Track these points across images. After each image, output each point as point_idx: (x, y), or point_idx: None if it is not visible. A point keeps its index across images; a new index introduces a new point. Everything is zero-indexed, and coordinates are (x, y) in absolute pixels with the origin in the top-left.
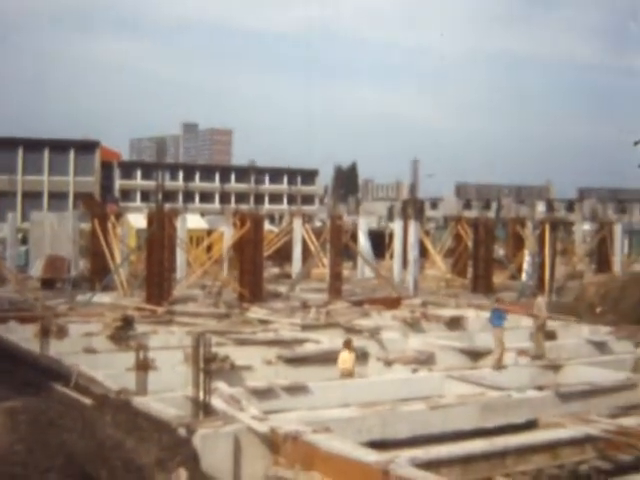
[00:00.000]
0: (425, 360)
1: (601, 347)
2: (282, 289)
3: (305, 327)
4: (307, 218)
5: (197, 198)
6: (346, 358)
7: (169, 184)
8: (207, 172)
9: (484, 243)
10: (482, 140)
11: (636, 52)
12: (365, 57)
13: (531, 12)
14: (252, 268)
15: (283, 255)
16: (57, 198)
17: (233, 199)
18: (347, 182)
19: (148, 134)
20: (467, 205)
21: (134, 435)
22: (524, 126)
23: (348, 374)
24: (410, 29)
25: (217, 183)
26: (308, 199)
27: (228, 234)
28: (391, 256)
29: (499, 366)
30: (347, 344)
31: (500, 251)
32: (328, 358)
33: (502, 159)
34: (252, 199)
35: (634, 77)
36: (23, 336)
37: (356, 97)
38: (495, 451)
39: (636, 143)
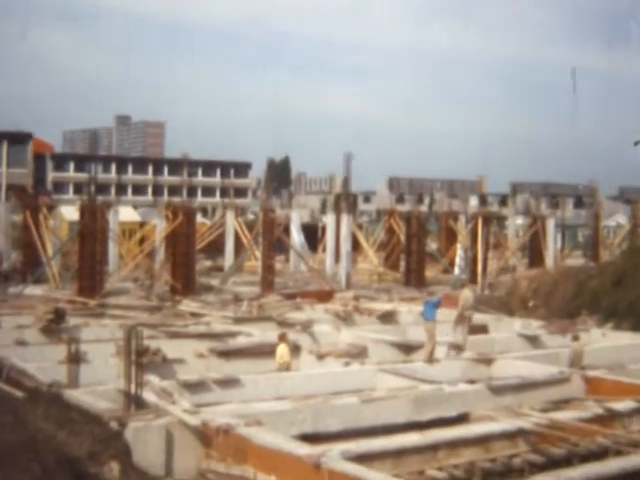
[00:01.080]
0: (357, 353)
1: (533, 341)
2: (214, 282)
3: (237, 320)
4: (240, 211)
5: (130, 190)
6: (284, 352)
7: (102, 176)
8: (140, 164)
9: (417, 237)
10: (416, 134)
11: (574, 48)
12: (301, 52)
13: (469, 9)
14: (184, 261)
15: (216, 248)
16: None
17: (166, 192)
18: (280, 175)
19: (81, 126)
20: (400, 199)
21: (66, 428)
22: (459, 121)
23: (286, 367)
24: (346, 24)
25: (150, 175)
26: (241, 192)
27: (161, 227)
28: (324, 249)
29: (431, 359)
30: (283, 338)
31: (433, 245)
32: (260, 351)
33: (435, 154)
34: (185, 192)
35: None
36: None
37: (291, 91)
38: (427, 444)
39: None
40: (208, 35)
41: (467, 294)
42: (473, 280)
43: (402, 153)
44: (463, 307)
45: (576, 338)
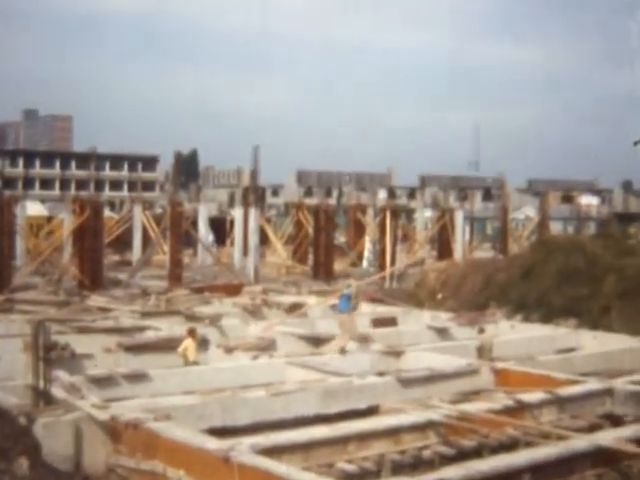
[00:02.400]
0: (266, 347)
1: (442, 333)
2: (122, 276)
3: (145, 314)
4: (147, 205)
5: (37, 185)
6: (190, 346)
7: (9, 171)
8: (47, 158)
9: (325, 230)
10: (325, 128)
11: (486, 39)
12: (211, 44)
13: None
14: (92, 255)
15: (123, 242)
16: None
17: (73, 186)
18: (188, 169)
19: None
20: (308, 192)
21: None
22: (367, 113)
23: (192, 362)
24: (256, 15)
25: (57, 170)
26: (149, 186)
27: (68, 221)
28: (232, 243)
29: (344, 351)
30: (191, 332)
31: (341, 238)
32: (168, 345)
33: (344, 147)
34: (92, 186)
35: (485, 65)
36: None
37: (199, 84)
38: (337, 437)
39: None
40: (117, 27)
41: (353, 284)
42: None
43: (311, 147)
44: (355, 299)
45: (481, 331)
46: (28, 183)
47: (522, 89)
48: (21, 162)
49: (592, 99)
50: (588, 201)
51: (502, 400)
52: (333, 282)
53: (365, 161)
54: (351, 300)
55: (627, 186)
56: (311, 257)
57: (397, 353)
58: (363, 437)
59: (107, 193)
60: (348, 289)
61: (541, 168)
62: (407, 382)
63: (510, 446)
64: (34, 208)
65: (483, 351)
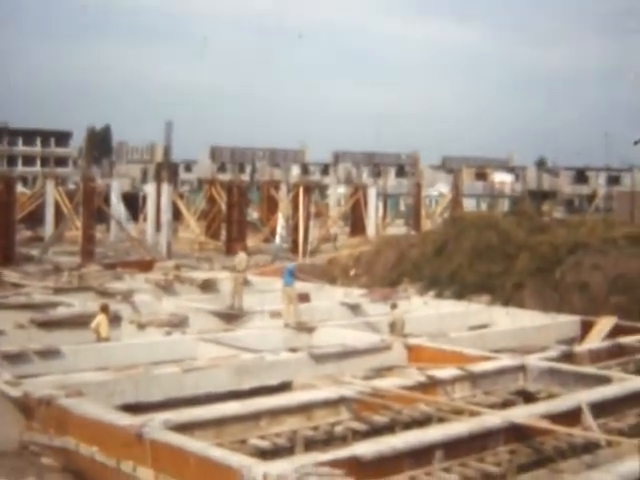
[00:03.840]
0: (178, 323)
1: (355, 309)
2: (35, 252)
3: (58, 290)
4: (60, 181)
5: None
6: (102, 322)
7: None
8: None
9: (238, 206)
10: (239, 104)
11: (399, 17)
12: (126, 18)
13: None
14: (4, 231)
15: (36, 218)
16: None
17: None
18: (101, 144)
19: None
20: (222, 168)
21: None
22: (280, 90)
23: (104, 339)
24: None
25: None
26: (62, 161)
27: None
28: (144, 219)
29: (296, 320)
30: (103, 308)
31: (254, 214)
32: (81, 322)
33: (257, 123)
34: (5, 161)
35: (394, 41)
36: None
37: (113, 58)
38: (249, 413)
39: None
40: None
41: (241, 257)
42: (294, 249)
43: (225, 122)
44: (237, 269)
45: (394, 306)
46: None
47: (443, 66)
48: None
49: (509, 76)
50: (502, 178)
51: (415, 376)
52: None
53: (279, 138)
54: (292, 274)
55: (541, 164)
56: (224, 233)
57: (310, 329)
58: (275, 413)
59: (20, 169)
60: (291, 264)
61: (456, 145)
62: (320, 358)
63: (423, 422)
64: None
65: (396, 327)
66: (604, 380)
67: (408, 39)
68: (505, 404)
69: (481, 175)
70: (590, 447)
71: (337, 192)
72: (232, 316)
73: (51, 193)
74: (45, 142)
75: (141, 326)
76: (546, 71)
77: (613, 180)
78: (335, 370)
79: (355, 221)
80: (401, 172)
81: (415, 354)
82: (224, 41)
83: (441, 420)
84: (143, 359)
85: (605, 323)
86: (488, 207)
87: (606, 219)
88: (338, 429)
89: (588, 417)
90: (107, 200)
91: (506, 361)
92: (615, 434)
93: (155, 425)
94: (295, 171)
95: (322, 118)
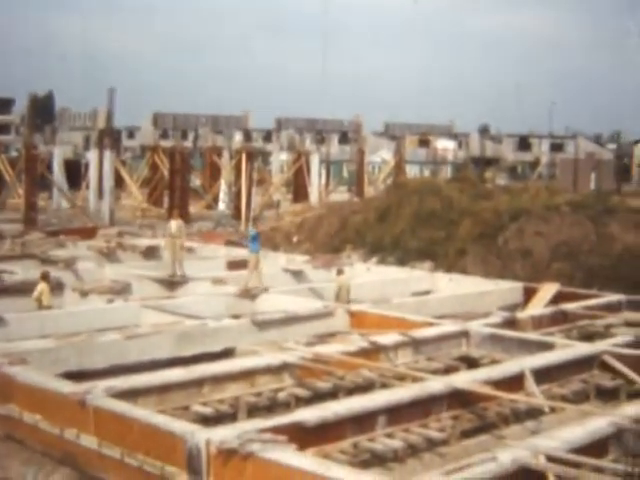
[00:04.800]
0: (121, 290)
1: (298, 276)
2: None
3: (0, 258)
4: (2, 148)
5: None
6: (44, 290)
7: None
8: None
9: (180, 173)
10: (181, 70)
11: None
12: None
13: None
14: None
15: None
16: None
17: None
18: (43, 111)
19: None
20: (164, 135)
21: None
22: (219, 57)
23: (46, 306)
24: None
25: None
26: (4, 129)
27: None
28: (87, 186)
29: (249, 289)
30: (44, 277)
31: (197, 181)
32: (23, 289)
33: (199, 89)
34: None
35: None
36: None
37: (56, 24)
38: (192, 380)
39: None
40: None
41: (176, 223)
42: (237, 215)
43: (167, 89)
44: (170, 234)
45: (340, 272)
46: None
47: (390, 33)
48: None
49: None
50: (444, 145)
51: (357, 342)
52: (188, 225)
53: (222, 103)
54: (256, 240)
55: (484, 130)
56: (166, 200)
57: (252, 296)
58: (218, 379)
59: None
60: (252, 230)
61: (399, 111)
62: (262, 325)
63: (366, 388)
64: None
65: (341, 293)
66: (547, 346)
67: (352, 6)
68: (448, 370)
69: (424, 142)
70: (533, 413)
71: (280, 159)
72: (174, 283)
73: None
74: None
75: (84, 293)
76: (499, 38)
77: (556, 147)
78: (278, 336)
79: (298, 188)
80: (344, 139)
81: (358, 320)
82: (169, 9)
83: (384, 386)
84: (86, 326)
85: (548, 289)
86: (431, 174)
87: (549, 186)
88: (281, 395)
89: (531, 383)
90: (50, 167)
91: (449, 327)
92: (558, 400)
93: (98, 392)
94: (238, 137)
95: (265, 86)
